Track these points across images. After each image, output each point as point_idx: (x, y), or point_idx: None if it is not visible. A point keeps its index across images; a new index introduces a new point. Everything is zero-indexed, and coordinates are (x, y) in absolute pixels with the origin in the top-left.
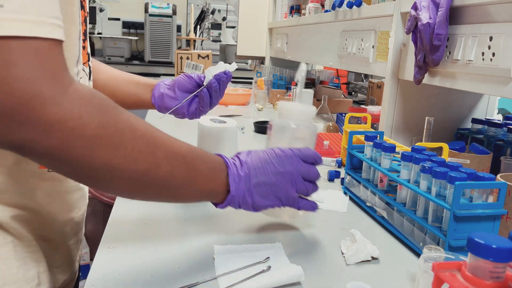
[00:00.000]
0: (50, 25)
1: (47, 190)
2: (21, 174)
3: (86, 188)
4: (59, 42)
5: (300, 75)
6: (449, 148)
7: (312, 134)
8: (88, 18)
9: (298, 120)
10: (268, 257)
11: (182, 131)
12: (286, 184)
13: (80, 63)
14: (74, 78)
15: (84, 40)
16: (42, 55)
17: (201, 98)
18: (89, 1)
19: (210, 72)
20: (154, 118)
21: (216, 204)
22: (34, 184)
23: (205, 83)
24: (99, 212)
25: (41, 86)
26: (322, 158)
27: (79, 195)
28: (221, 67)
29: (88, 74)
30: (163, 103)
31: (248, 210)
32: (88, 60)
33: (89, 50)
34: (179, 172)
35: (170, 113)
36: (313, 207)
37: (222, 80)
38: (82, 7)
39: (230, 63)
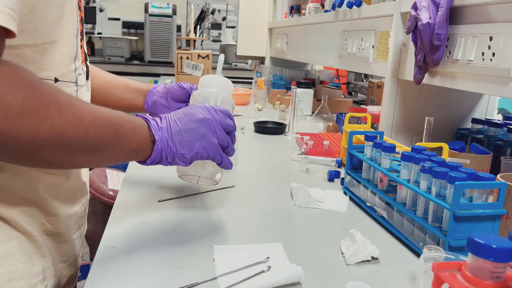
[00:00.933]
0: (6, 14)
1: (50, 183)
2: (22, 167)
3: (87, 183)
4: (3, 31)
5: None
6: (449, 148)
7: (229, 103)
8: (84, 19)
9: (218, 88)
10: (268, 257)
11: None
12: (207, 131)
13: (79, 60)
14: (72, 74)
15: (81, 39)
16: None
17: None
18: (89, 1)
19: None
20: None
21: (143, 162)
22: (36, 177)
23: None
24: (99, 212)
25: None
26: (322, 158)
27: (82, 190)
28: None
29: (85, 73)
30: (156, 110)
31: (175, 163)
32: (86, 60)
33: (85, 49)
34: (106, 134)
35: None
36: (230, 164)
37: None
38: (79, 7)
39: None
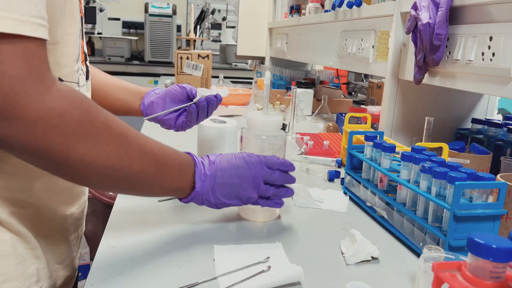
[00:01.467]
0: (34, 24)
1: (45, 184)
2: (17, 168)
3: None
4: (43, 41)
5: (266, 81)
6: (449, 148)
7: (281, 142)
8: (83, 19)
9: (266, 130)
10: (268, 257)
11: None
12: (248, 186)
13: (80, 60)
14: (75, 75)
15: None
16: (30, 55)
17: (189, 113)
18: (89, 1)
19: (201, 92)
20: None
21: (180, 199)
22: (32, 178)
23: (194, 100)
24: (99, 212)
25: (27, 84)
26: (322, 158)
27: (79, 190)
28: (213, 91)
29: (85, 73)
30: (152, 111)
31: (210, 207)
32: (86, 60)
33: (85, 49)
34: (149, 169)
35: (157, 123)
36: (275, 203)
37: (211, 102)
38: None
39: (221, 88)
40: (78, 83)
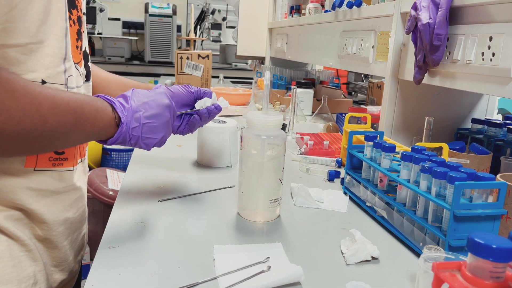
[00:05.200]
0: None
1: (36, 190)
2: (6, 173)
3: (83, 189)
4: None
5: (266, 81)
6: (449, 148)
7: (281, 142)
8: (83, 18)
9: (266, 130)
10: (268, 257)
11: None
12: (170, 117)
13: (69, 61)
14: (61, 76)
15: (77, 40)
16: None
17: (191, 123)
18: (89, 1)
19: (203, 103)
20: None
21: (104, 142)
22: (21, 183)
23: (197, 106)
24: (99, 212)
25: None
26: (322, 158)
27: (76, 196)
28: (208, 101)
29: (84, 75)
30: None
31: (137, 146)
32: (87, 61)
33: (87, 50)
34: (66, 120)
35: None
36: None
37: (212, 112)
38: (75, 6)
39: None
40: (66, 84)
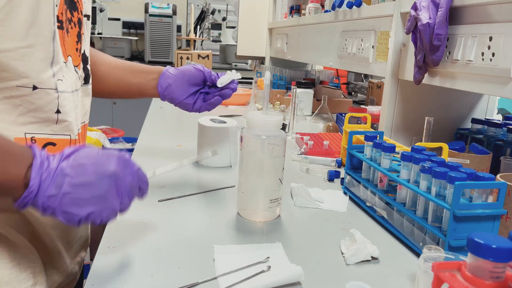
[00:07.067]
0: None
1: None
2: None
3: None
4: None
5: (266, 81)
6: (449, 148)
7: (281, 142)
8: (83, 21)
9: (266, 130)
10: (268, 257)
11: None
12: (111, 191)
13: (57, 63)
14: (50, 81)
15: (77, 42)
16: None
17: (212, 104)
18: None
19: (223, 81)
20: (156, 108)
21: (14, 201)
22: None
23: (219, 84)
24: None
25: None
26: (322, 158)
27: None
28: (229, 78)
29: (82, 78)
30: (171, 94)
31: (56, 217)
32: (86, 64)
33: (87, 52)
34: None
35: (175, 105)
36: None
37: (232, 89)
38: (76, 8)
39: (232, 69)
40: (56, 89)
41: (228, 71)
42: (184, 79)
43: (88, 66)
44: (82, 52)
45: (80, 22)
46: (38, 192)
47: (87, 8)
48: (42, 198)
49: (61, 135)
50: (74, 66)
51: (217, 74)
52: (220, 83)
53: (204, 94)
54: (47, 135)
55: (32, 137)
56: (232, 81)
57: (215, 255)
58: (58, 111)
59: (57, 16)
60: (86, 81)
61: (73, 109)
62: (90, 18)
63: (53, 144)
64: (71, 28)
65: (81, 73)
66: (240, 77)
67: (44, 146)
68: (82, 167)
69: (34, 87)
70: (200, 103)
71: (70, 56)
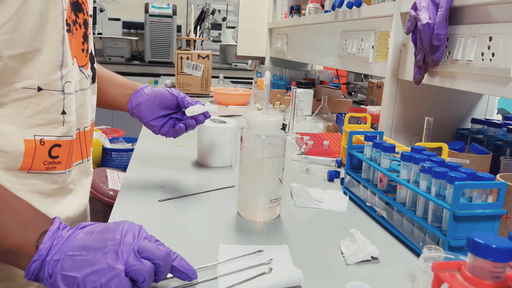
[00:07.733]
0: None
1: (31, 191)
2: (1, 175)
3: (81, 190)
4: None
5: (266, 81)
6: (449, 148)
7: (281, 142)
8: (89, 21)
9: (266, 130)
10: (271, 259)
11: None
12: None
13: (67, 66)
14: (57, 82)
15: (83, 43)
16: None
17: (176, 131)
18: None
19: (192, 110)
20: None
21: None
22: (17, 184)
23: (187, 112)
24: (99, 212)
25: None
26: (322, 158)
27: (71, 197)
28: (201, 108)
29: (90, 77)
30: (139, 112)
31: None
32: (92, 63)
33: (93, 52)
34: None
35: (142, 122)
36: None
37: (199, 121)
38: (81, 10)
39: (213, 102)
40: (63, 90)
41: (208, 103)
42: (156, 101)
43: (95, 65)
44: (89, 52)
45: (86, 23)
46: (44, 254)
47: (90, 8)
48: (49, 262)
49: (66, 136)
50: (80, 66)
51: (192, 102)
52: (190, 111)
53: (175, 119)
54: (55, 137)
55: (41, 139)
56: (204, 113)
57: (219, 255)
58: (63, 112)
59: (66, 20)
60: (93, 80)
61: (75, 110)
62: (91, 17)
63: (59, 146)
64: (76, 29)
65: (88, 72)
66: (217, 110)
67: (51, 148)
68: (88, 248)
69: (39, 88)
70: (168, 128)
71: (76, 57)
